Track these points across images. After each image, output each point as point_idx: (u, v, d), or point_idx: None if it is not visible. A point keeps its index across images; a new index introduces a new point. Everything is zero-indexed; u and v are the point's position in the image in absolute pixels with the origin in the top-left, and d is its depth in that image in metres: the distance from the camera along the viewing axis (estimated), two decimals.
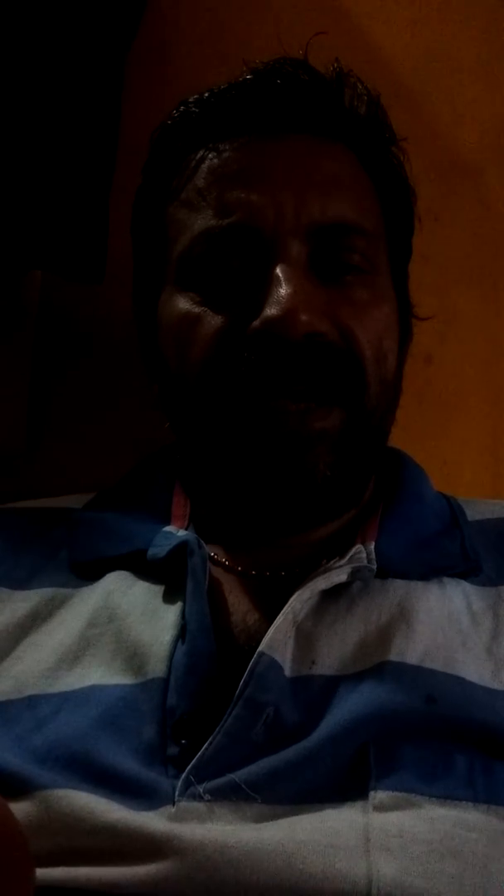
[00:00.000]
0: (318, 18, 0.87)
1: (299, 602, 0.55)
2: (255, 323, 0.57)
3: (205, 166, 0.62)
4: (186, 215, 0.62)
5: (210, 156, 0.62)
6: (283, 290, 0.57)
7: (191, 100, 0.66)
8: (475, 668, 0.54)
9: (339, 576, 0.57)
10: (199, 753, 0.49)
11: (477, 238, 0.91)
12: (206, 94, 0.65)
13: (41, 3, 0.75)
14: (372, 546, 0.59)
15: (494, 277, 0.91)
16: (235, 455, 0.58)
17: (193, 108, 0.65)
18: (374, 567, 0.58)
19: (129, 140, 0.79)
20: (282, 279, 0.57)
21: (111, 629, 0.56)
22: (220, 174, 0.61)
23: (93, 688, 0.53)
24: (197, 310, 0.60)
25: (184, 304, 0.61)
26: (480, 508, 0.67)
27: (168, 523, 0.63)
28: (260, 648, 0.53)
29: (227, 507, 0.63)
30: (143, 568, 0.59)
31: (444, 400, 0.89)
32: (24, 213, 0.75)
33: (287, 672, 0.53)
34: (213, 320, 0.59)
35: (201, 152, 0.63)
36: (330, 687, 0.52)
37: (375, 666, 0.53)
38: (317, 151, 0.63)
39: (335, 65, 0.65)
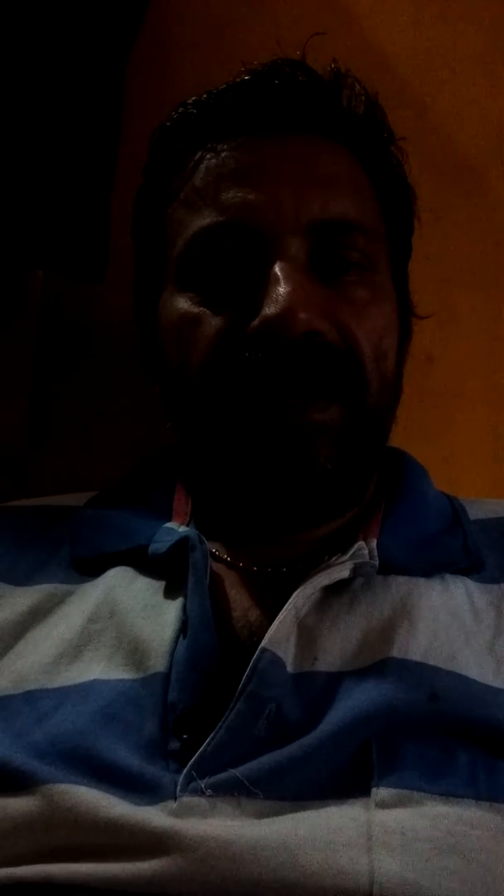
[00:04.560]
0: (319, 20, 0.87)
1: (301, 598, 0.55)
2: (255, 322, 0.57)
3: (203, 167, 0.62)
4: (185, 215, 0.62)
5: (208, 156, 0.62)
6: (282, 289, 0.56)
7: (189, 101, 0.66)
8: (477, 666, 0.54)
9: (341, 572, 0.56)
10: (201, 749, 0.49)
11: (478, 237, 0.91)
12: (205, 96, 0.65)
13: (43, 6, 0.76)
14: (374, 543, 0.59)
15: (496, 276, 0.91)
16: (236, 451, 0.58)
17: (192, 109, 0.65)
18: (377, 563, 0.58)
19: (130, 140, 0.79)
20: (280, 278, 0.57)
21: (112, 624, 0.56)
22: (218, 174, 0.61)
23: (94, 682, 0.53)
24: (196, 310, 0.60)
25: (183, 304, 0.61)
26: (483, 508, 0.67)
27: (169, 519, 0.63)
28: (262, 644, 0.52)
29: (228, 504, 0.63)
30: (145, 564, 0.59)
31: (446, 399, 0.89)
32: (27, 213, 0.75)
33: (289, 668, 0.53)
34: (213, 320, 0.59)
35: (200, 153, 0.63)
36: (332, 683, 0.52)
37: (378, 662, 0.53)
38: (315, 150, 0.63)
39: (333, 64, 0.65)
